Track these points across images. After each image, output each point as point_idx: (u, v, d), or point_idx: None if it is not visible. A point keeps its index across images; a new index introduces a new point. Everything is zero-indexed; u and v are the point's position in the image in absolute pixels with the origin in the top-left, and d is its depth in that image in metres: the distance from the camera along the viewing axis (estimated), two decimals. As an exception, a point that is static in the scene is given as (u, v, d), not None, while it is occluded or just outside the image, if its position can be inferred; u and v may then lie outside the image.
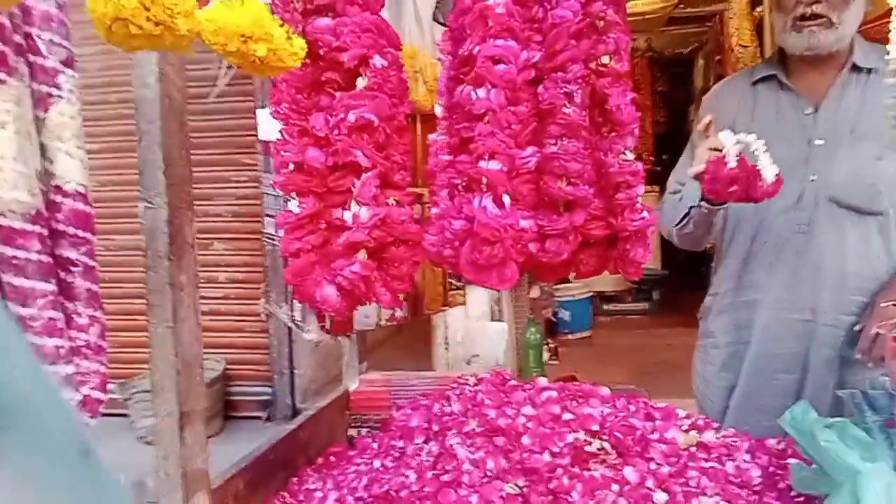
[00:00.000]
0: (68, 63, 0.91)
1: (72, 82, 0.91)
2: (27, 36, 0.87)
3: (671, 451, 1.20)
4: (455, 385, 1.43)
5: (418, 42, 1.77)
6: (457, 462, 1.17)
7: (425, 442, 1.29)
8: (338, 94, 1.04)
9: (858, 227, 1.54)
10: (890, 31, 1.04)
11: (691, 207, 1.52)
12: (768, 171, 1.28)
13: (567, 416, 1.23)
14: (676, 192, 1.65)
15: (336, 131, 1.03)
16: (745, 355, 1.65)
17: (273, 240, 1.68)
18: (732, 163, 1.28)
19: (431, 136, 1.20)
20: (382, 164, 1.04)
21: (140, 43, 0.67)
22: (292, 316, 1.66)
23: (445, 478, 1.15)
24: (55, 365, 0.86)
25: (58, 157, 0.90)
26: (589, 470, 1.15)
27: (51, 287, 0.87)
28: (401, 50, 1.08)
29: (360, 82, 1.03)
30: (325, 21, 1.02)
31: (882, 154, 1.48)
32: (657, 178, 4.49)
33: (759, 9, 4.55)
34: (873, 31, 1.78)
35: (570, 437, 1.17)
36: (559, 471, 1.13)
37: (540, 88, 1.06)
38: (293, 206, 1.08)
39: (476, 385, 1.41)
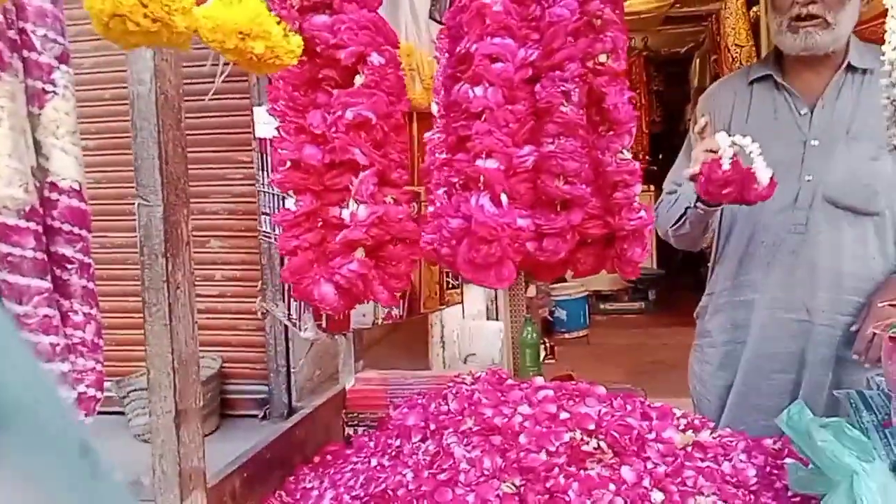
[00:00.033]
0: (63, 59, 0.91)
1: (67, 78, 0.91)
2: (21, 31, 0.87)
3: (668, 451, 1.20)
4: (452, 384, 1.42)
5: (414, 40, 1.77)
6: (453, 461, 1.17)
7: (422, 441, 1.29)
8: (335, 91, 1.03)
9: (854, 227, 1.54)
10: (885, 31, 1.04)
11: (687, 208, 1.53)
12: (763, 173, 1.28)
13: (563, 415, 1.23)
14: (673, 192, 1.65)
15: (333, 129, 1.02)
16: (742, 355, 1.65)
17: (269, 237, 1.68)
18: (727, 165, 1.29)
19: (427, 135, 1.20)
20: (380, 162, 1.03)
21: (138, 40, 0.66)
22: (289, 314, 1.65)
23: (442, 477, 1.15)
24: (51, 363, 0.86)
25: (53, 154, 0.89)
26: (585, 469, 1.15)
27: (46, 284, 0.86)
28: (398, 48, 1.08)
29: (358, 80, 1.02)
30: (321, 18, 1.01)
31: (878, 154, 1.48)
32: (653, 177, 4.50)
33: (754, 8, 4.56)
34: (869, 32, 1.79)
35: (566, 437, 1.17)
36: (556, 470, 1.13)
37: (537, 87, 1.06)
38: (290, 203, 1.08)
39: (473, 384, 1.41)
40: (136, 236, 1.01)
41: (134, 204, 1.01)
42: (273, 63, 0.74)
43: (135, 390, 3.59)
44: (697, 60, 6.53)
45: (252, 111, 2.60)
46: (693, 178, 1.36)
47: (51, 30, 0.89)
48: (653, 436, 1.22)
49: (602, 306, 6.26)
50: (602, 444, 1.17)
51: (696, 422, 1.31)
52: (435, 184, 1.16)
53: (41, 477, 0.26)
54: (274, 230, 1.60)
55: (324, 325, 1.58)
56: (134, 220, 1.01)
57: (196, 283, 1.07)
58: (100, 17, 0.64)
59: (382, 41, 1.03)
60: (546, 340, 4.46)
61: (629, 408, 1.27)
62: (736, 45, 4.64)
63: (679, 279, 6.01)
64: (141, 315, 1.01)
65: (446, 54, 1.15)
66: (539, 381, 1.38)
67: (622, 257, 1.12)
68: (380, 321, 1.69)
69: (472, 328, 3.09)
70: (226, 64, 0.78)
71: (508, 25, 1.02)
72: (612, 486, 1.12)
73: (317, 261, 1.06)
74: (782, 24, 1.54)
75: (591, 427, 1.19)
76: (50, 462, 0.26)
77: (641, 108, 6.64)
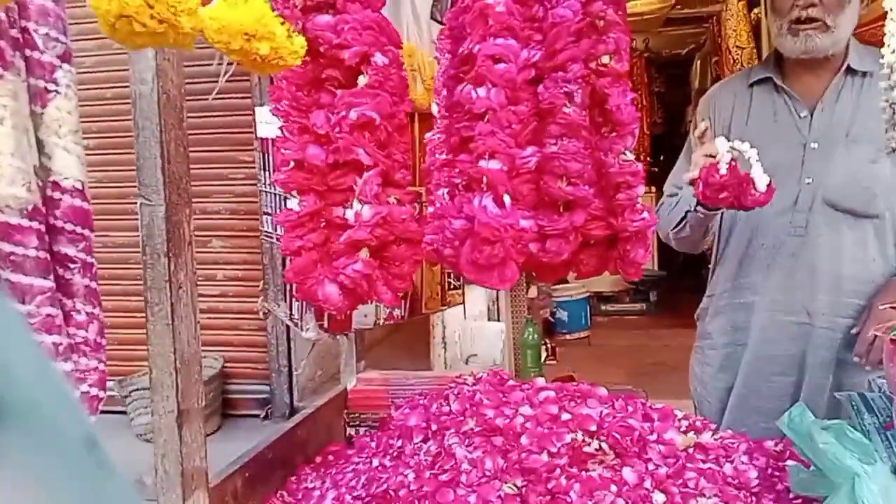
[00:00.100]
0: (65, 58, 0.91)
1: (69, 77, 0.91)
2: (24, 30, 0.87)
3: (669, 452, 1.20)
4: (453, 385, 1.42)
5: (416, 40, 1.77)
6: (455, 462, 1.17)
7: (423, 441, 1.29)
8: (338, 91, 1.03)
9: (854, 230, 1.54)
10: (885, 34, 1.04)
11: (687, 212, 1.53)
12: (760, 179, 1.29)
13: (565, 416, 1.23)
14: (673, 195, 1.66)
15: (337, 129, 1.02)
16: (742, 357, 1.65)
17: (271, 237, 1.68)
18: (724, 170, 1.29)
19: (428, 135, 1.20)
20: (384, 162, 1.03)
21: (144, 40, 0.67)
22: (290, 314, 1.65)
23: (443, 477, 1.15)
24: (54, 362, 0.86)
25: (55, 153, 0.89)
26: (587, 470, 1.15)
27: (49, 284, 0.86)
28: (401, 48, 1.08)
29: (362, 80, 1.02)
30: (325, 18, 1.01)
31: (877, 157, 1.48)
32: (654, 178, 4.49)
33: (755, 10, 4.56)
34: (868, 34, 1.79)
35: (568, 438, 1.17)
36: (557, 471, 1.13)
37: (540, 88, 1.06)
38: (293, 203, 1.08)
39: (474, 385, 1.41)
40: (138, 236, 1.01)
41: (136, 203, 1.01)
42: (277, 63, 0.75)
43: (137, 390, 3.59)
44: (698, 62, 6.53)
45: (254, 111, 2.60)
46: (692, 183, 1.37)
47: (53, 29, 0.89)
48: (654, 437, 1.22)
49: (603, 307, 6.26)
50: (603, 445, 1.17)
51: (698, 423, 1.31)
52: (435, 184, 1.16)
53: (48, 472, 0.26)
54: (276, 230, 1.60)
55: (325, 325, 1.58)
56: (136, 219, 1.01)
57: (198, 282, 1.07)
58: (106, 18, 0.64)
59: (386, 41, 1.03)
60: (547, 341, 4.46)
61: (631, 409, 1.27)
62: (737, 46, 4.64)
63: (680, 281, 6.00)
64: (143, 314, 1.01)
65: (447, 55, 1.15)
66: (540, 382, 1.38)
67: (625, 258, 1.12)
68: (381, 322, 1.69)
69: (474, 329, 3.09)
70: (229, 64, 0.78)
71: (511, 26, 1.02)
72: (613, 488, 1.12)
73: (320, 261, 1.06)
74: (782, 26, 1.54)
75: (593, 428, 1.19)
76: (56, 457, 0.26)
77: (643, 109, 6.63)
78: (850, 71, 1.57)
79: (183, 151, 1.03)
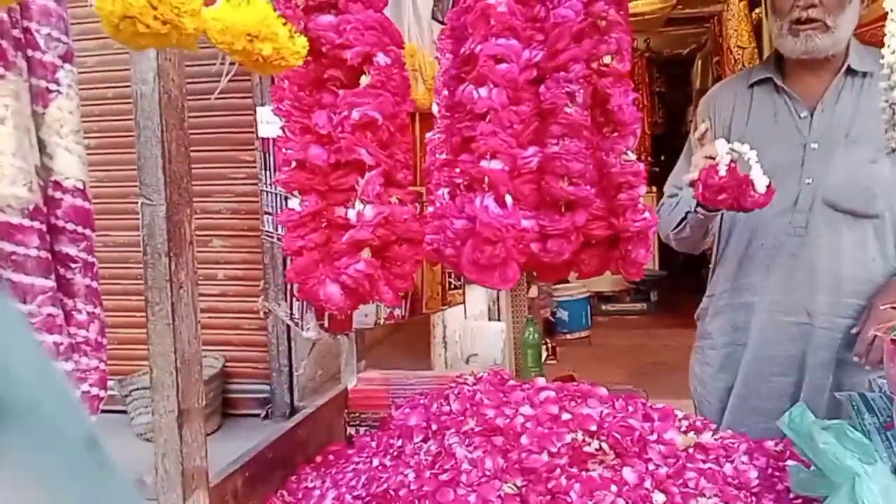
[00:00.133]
0: (67, 58, 0.91)
1: (71, 77, 0.91)
2: (26, 30, 0.87)
3: (669, 452, 1.20)
4: (454, 384, 1.42)
5: (417, 40, 1.77)
6: (455, 461, 1.17)
7: (424, 441, 1.29)
8: (340, 91, 1.03)
9: (854, 230, 1.54)
10: (885, 34, 1.04)
11: (687, 213, 1.54)
12: (760, 181, 1.30)
13: (565, 416, 1.23)
14: (674, 195, 1.66)
15: (339, 129, 1.02)
16: (742, 357, 1.65)
17: (272, 237, 1.68)
18: (723, 171, 1.30)
19: (428, 135, 1.20)
20: (386, 162, 1.03)
21: (147, 41, 0.67)
22: (291, 313, 1.65)
23: (444, 477, 1.15)
24: (54, 361, 0.86)
25: (57, 153, 0.89)
26: (587, 470, 1.15)
27: (50, 283, 0.86)
28: (403, 48, 1.08)
29: (364, 80, 1.02)
30: (327, 18, 1.01)
31: (877, 157, 1.48)
32: (655, 178, 4.49)
33: (757, 10, 4.55)
34: (869, 35, 1.79)
35: (568, 438, 1.17)
36: (557, 471, 1.13)
37: (542, 88, 1.06)
38: (294, 203, 1.08)
39: (475, 384, 1.41)
40: (138, 235, 1.01)
41: (137, 203, 1.01)
42: (279, 64, 0.75)
43: (137, 389, 3.60)
44: (699, 62, 6.53)
45: (255, 111, 2.60)
46: (692, 184, 1.37)
47: (55, 29, 0.89)
48: (654, 437, 1.22)
49: (604, 307, 6.26)
50: (604, 445, 1.17)
51: (698, 423, 1.31)
52: (435, 184, 1.16)
53: (48, 472, 0.26)
54: (276, 230, 1.60)
55: (326, 324, 1.58)
56: (137, 218, 1.01)
57: (198, 282, 1.07)
58: (110, 19, 0.64)
59: (388, 41, 1.03)
60: (548, 341, 4.46)
61: (631, 409, 1.27)
62: (738, 46, 4.64)
63: (681, 281, 6.00)
64: (143, 314, 1.01)
65: (448, 55, 1.15)
66: (541, 381, 1.38)
67: (626, 258, 1.12)
68: (382, 321, 1.69)
69: (474, 328, 3.09)
70: (231, 64, 0.78)
71: (513, 26, 1.02)
72: (613, 488, 1.12)
73: (322, 261, 1.06)
74: (783, 27, 1.55)
75: (593, 428, 1.19)
76: (57, 457, 0.26)
77: (644, 109, 6.63)
78: (851, 71, 1.57)
79: (184, 151, 1.03)
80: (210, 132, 3.74)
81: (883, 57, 1.04)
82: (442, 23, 1.75)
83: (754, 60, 4.36)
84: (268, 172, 1.64)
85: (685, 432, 1.27)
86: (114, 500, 0.29)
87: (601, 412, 1.24)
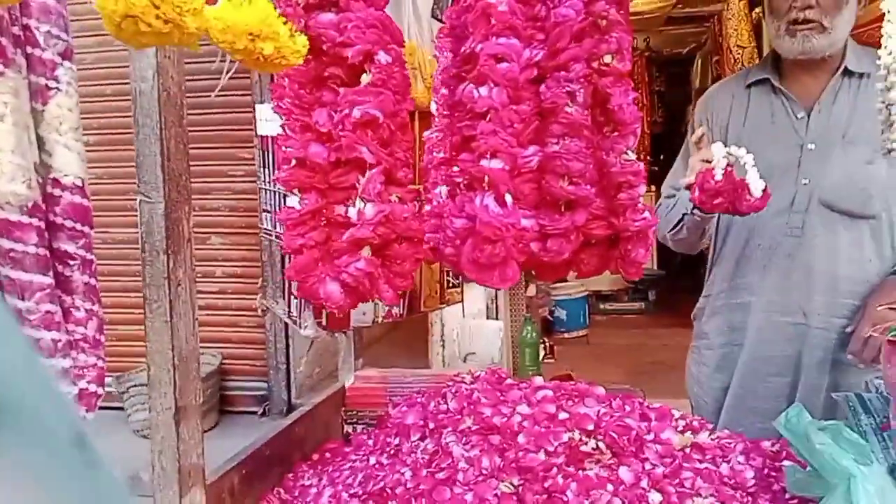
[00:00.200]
0: (67, 55, 0.91)
1: (70, 74, 0.91)
2: (25, 28, 0.87)
3: (666, 452, 1.20)
4: (451, 383, 1.43)
5: (416, 38, 1.77)
6: (452, 460, 1.17)
7: (421, 439, 1.29)
8: (341, 89, 1.03)
9: (850, 230, 1.54)
10: (882, 35, 1.04)
11: (684, 214, 1.54)
12: (756, 185, 1.30)
13: (562, 415, 1.23)
14: (671, 196, 1.66)
15: (340, 127, 1.02)
16: (739, 357, 1.66)
17: (270, 234, 1.68)
18: (719, 176, 1.30)
19: (426, 133, 1.20)
20: (387, 160, 1.03)
21: (149, 40, 0.67)
22: (289, 311, 1.65)
23: (440, 475, 1.15)
24: (52, 359, 0.86)
25: (56, 150, 0.89)
26: (584, 469, 1.15)
27: (48, 280, 0.86)
28: (403, 46, 1.08)
29: (365, 78, 1.02)
30: (328, 16, 1.01)
31: (873, 158, 1.48)
32: (654, 177, 4.49)
33: (757, 10, 4.55)
34: (866, 36, 1.79)
35: (565, 437, 1.17)
36: (554, 470, 1.13)
37: (542, 87, 1.06)
38: (292, 201, 1.08)
39: (472, 383, 1.41)
40: (137, 232, 1.01)
41: (135, 200, 1.01)
42: (279, 63, 0.75)
43: (134, 386, 3.59)
44: (699, 61, 6.53)
45: (254, 108, 2.59)
46: (689, 188, 1.38)
47: (54, 26, 0.89)
48: (651, 437, 1.22)
49: (602, 306, 6.27)
50: (600, 444, 1.17)
51: (695, 423, 1.31)
52: (432, 182, 1.16)
53: (37, 471, 0.26)
54: (275, 227, 1.60)
55: (324, 322, 1.58)
56: (135, 215, 1.01)
57: (196, 279, 1.07)
58: (112, 18, 0.64)
59: (389, 39, 1.03)
60: (546, 340, 4.47)
61: (628, 408, 1.28)
62: (738, 46, 4.64)
63: (679, 280, 6.01)
64: (141, 311, 1.01)
65: (447, 53, 1.15)
66: (538, 380, 1.38)
67: (626, 258, 1.12)
68: (380, 319, 1.69)
69: (472, 327, 3.09)
70: (231, 62, 0.78)
71: (514, 25, 1.02)
72: (609, 487, 1.12)
73: (322, 259, 1.05)
74: (780, 27, 1.55)
75: (590, 427, 1.19)
76: (45, 456, 0.26)
77: (643, 108, 6.63)
78: (848, 72, 1.57)
79: (183, 149, 1.03)
80: (209, 130, 3.74)
81: (880, 58, 1.04)
82: (441, 21, 1.75)
83: (754, 60, 4.36)
84: (267, 170, 1.64)
85: (682, 432, 1.27)
86: (104, 500, 0.28)
87: (598, 411, 1.24)
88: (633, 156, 1.12)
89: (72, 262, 0.90)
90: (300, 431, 1.50)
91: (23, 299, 0.83)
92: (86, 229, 0.92)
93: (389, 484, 1.17)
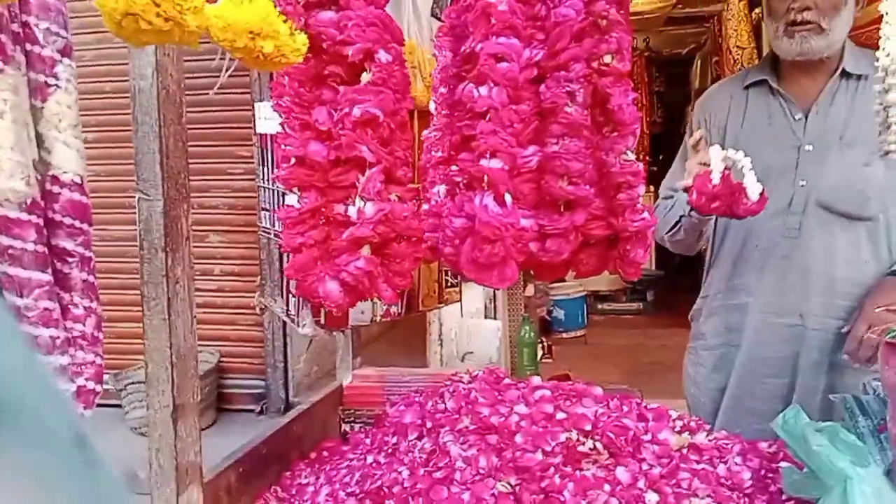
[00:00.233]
0: (66, 52, 0.91)
1: (69, 72, 0.91)
2: (24, 25, 0.87)
3: (663, 452, 1.20)
4: (449, 382, 1.43)
5: (416, 37, 1.77)
6: (449, 459, 1.17)
7: (418, 438, 1.29)
8: (341, 88, 1.03)
9: (847, 232, 1.55)
10: (880, 37, 1.04)
11: (682, 216, 1.54)
12: (753, 188, 1.30)
13: (560, 415, 1.23)
14: (669, 197, 1.67)
15: (340, 126, 1.02)
16: (736, 358, 1.66)
17: (269, 233, 1.68)
18: (716, 179, 1.30)
19: (425, 132, 1.20)
20: (386, 159, 1.03)
21: (149, 38, 0.67)
22: (287, 310, 1.65)
23: (438, 475, 1.15)
24: (50, 356, 0.86)
25: (55, 147, 0.89)
26: (581, 469, 1.15)
27: (47, 277, 0.86)
28: (403, 45, 1.08)
29: (365, 77, 1.02)
30: (328, 14, 1.01)
31: (870, 160, 1.49)
32: (653, 178, 4.49)
33: (756, 10, 4.56)
34: (864, 37, 1.79)
35: (562, 437, 1.17)
36: (551, 470, 1.13)
37: (542, 87, 1.06)
38: (291, 200, 1.08)
39: (470, 383, 1.41)
40: (135, 229, 1.01)
41: (134, 197, 1.01)
42: (279, 61, 0.75)
43: (132, 383, 3.59)
44: (699, 61, 6.53)
45: (253, 106, 2.59)
46: (686, 190, 1.38)
47: (53, 23, 0.89)
48: (648, 437, 1.22)
49: (600, 306, 6.27)
50: (598, 444, 1.17)
51: (692, 424, 1.31)
52: (430, 181, 1.16)
53: (37, 471, 0.26)
54: (274, 226, 1.60)
55: (322, 321, 1.58)
56: (133, 213, 1.01)
57: (195, 277, 1.07)
58: (112, 16, 0.64)
59: (389, 38, 1.03)
60: (544, 340, 4.46)
61: (626, 409, 1.28)
62: (737, 46, 4.65)
63: (677, 280, 6.02)
64: (139, 308, 1.01)
65: (446, 52, 1.15)
66: (536, 380, 1.38)
67: (625, 258, 1.12)
68: (378, 318, 1.69)
69: (470, 326, 3.09)
70: (230, 59, 0.78)
71: (514, 25, 1.02)
72: (607, 487, 1.12)
73: (321, 258, 1.05)
74: (778, 29, 1.55)
75: (588, 427, 1.19)
76: (45, 456, 0.26)
77: (643, 108, 6.63)
78: (845, 74, 1.57)
79: (182, 147, 1.03)
80: (208, 128, 3.74)
81: (878, 60, 1.04)
82: (441, 20, 1.75)
83: (753, 60, 4.36)
84: (266, 168, 1.63)
85: (679, 433, 1.27)
86: (104, 500, 0.28)
87: (596, 412, 1.24)
88: (632, 156, 1.12)
89: (70, 259, 0.90)
90: (298, 430, 1.50)
91: (21, 296, 0.83)
92: (84, 226, 0.92)
93: (387, 483, 1.17)
